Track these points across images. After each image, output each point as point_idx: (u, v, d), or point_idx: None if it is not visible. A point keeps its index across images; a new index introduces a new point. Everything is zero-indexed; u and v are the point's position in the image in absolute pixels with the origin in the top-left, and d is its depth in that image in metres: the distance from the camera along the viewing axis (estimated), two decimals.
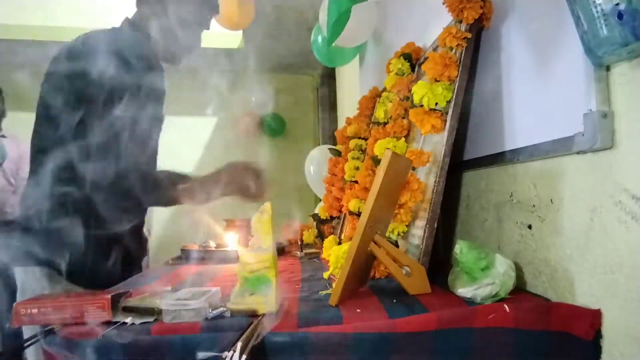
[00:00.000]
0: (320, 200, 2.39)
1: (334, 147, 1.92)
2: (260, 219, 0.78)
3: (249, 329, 0.66)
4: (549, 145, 0.78)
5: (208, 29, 1.36)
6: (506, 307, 0.69)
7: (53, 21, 3.03)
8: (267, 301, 0.74)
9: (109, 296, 0.73)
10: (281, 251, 1.61)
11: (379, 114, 1.45)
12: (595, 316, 0.68)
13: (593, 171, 0.70)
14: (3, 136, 2.92)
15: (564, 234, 0.76)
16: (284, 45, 3.81)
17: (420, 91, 1.01)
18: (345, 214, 1.64)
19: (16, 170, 2.87)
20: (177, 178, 1.23)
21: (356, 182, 1.30)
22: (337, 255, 0.96)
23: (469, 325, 0.68)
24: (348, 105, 2.94)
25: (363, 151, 1.63)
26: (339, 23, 1.91)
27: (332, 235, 1.42)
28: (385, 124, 1.37)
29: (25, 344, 0.70)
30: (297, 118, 4.55)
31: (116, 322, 0.71)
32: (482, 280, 0.77)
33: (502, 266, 0.79)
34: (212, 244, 1.66)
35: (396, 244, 0.99)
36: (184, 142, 3.80)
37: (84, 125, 1.05)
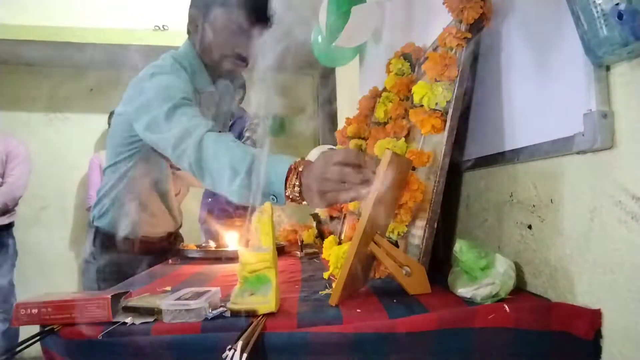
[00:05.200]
0: None
1: (334, 147, 1.92)
2: (260, 219, 0.78)
3: (249, 329, 0.66)
4: (549, 145, 0.78)
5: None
6: (506, 307, 0.69)
7: (53, 21, 3.03)
8: (267, 301, 0.74)
9: (109, 296, 0.73)
10: (281, 251, 1.61)
11: (379, 114, 1.45)
12: (595, 316, 0.68)
13: (593, 171, 0.70)
14: None
15: (564, 234, 0.76)
16: (284, 45, 3.80)
17: (420, 91, 1.01)
18: (345, 214, 1.64)
19: (2, 167, 2.84)
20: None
21: None
22: (337, 255, 0.96)
23: (469, 325, 0.68)
24: (348, 105, 2.94)
25: (363, 151, 1.63)
26: (338, 23, 1.91)
27: (332, 235, 1.42)
28: (385, 124, 1.37)
29: (25, 344, 0.70)
30: (297, 118, 4.54)
31: (116, 322, 0.71)
32: (482, 280, 0.77)
33: (502, 266, 0.79)
34: (212, 244, 1.66)
35: (396, 244, 0.99)
36: None
37: None
